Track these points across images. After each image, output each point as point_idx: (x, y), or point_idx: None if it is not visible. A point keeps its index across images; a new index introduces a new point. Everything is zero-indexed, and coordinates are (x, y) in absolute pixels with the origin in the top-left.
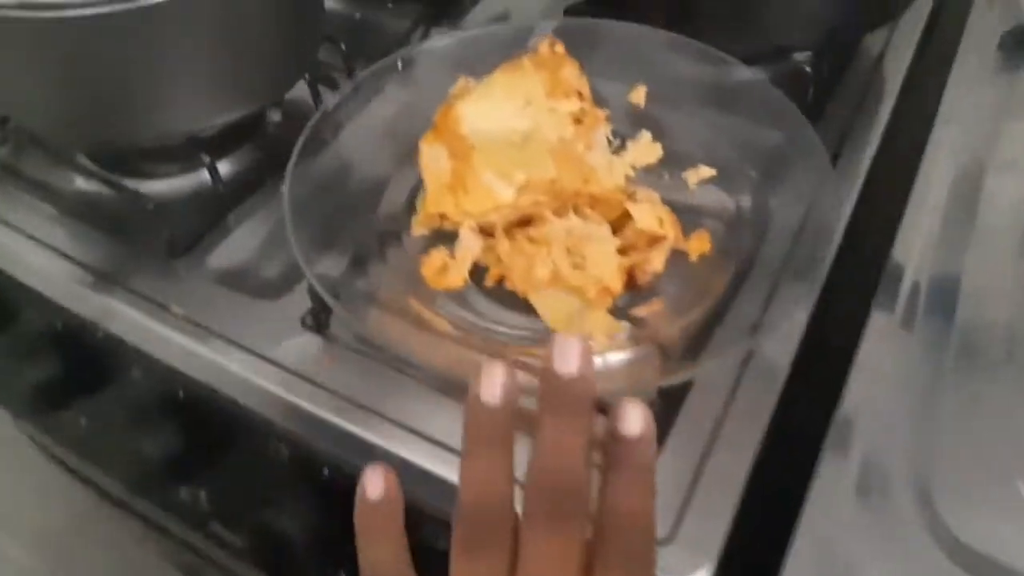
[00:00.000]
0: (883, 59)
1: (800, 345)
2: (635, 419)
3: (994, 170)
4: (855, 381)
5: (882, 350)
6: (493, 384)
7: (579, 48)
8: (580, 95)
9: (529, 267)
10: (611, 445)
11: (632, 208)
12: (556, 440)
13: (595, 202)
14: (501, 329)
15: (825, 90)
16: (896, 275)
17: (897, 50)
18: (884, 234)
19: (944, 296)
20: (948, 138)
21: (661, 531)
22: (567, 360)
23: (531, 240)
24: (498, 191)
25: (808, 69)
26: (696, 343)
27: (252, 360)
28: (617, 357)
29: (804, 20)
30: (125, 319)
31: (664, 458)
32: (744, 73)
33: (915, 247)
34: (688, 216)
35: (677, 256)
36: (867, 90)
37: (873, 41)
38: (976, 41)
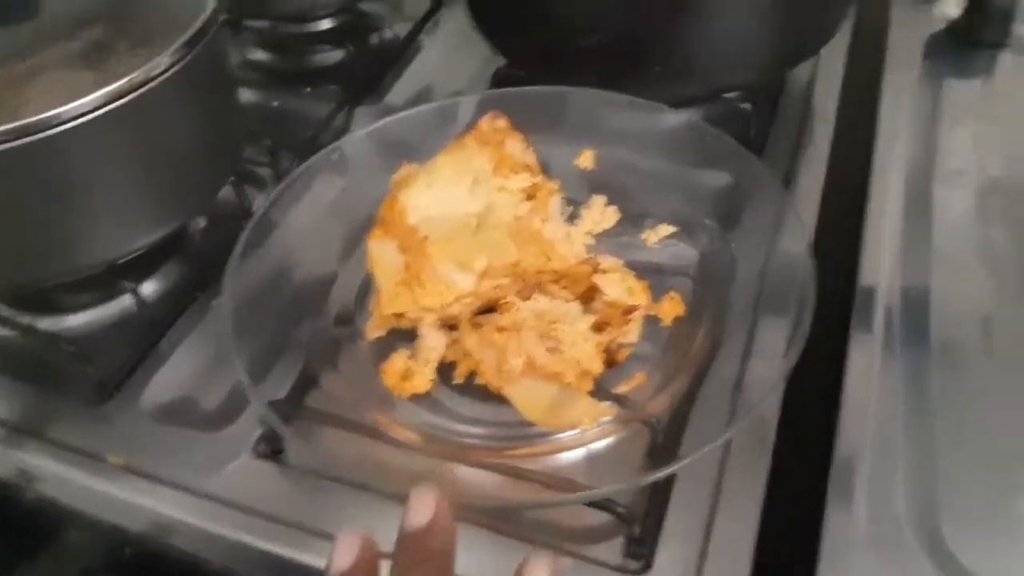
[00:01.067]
0: (813, 86)
1: (786, 387)
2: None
3: (940, 182)
4: (846, 421)
5: (868, 380)
6: (423, 507)
7: (511, 117)
8: (529, 168)
9: (501, 358)
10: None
11: (600, 280)
12: None
13: (560, 278)
14: (476, 431)
15: (764, 126)
16: (868, 299)
17: (826, 75)
18: (846, 259)
19: (917, 312)
20: (891, 158)
21: None
22: (419, 512)
23: (499, 329)
24: (457, 281)
25: (745, 107)
26: (682, 413)
27: (206, 504)
28: (601, 444)
29: (735, 61)
30: (53, 476)
31: (666, 535)
32: (681, 119)
33: (881, 269)
34: (654, 276)
35: (649, 320)
36: (804, 120)
37: (801, 71)
38: (899, 56)
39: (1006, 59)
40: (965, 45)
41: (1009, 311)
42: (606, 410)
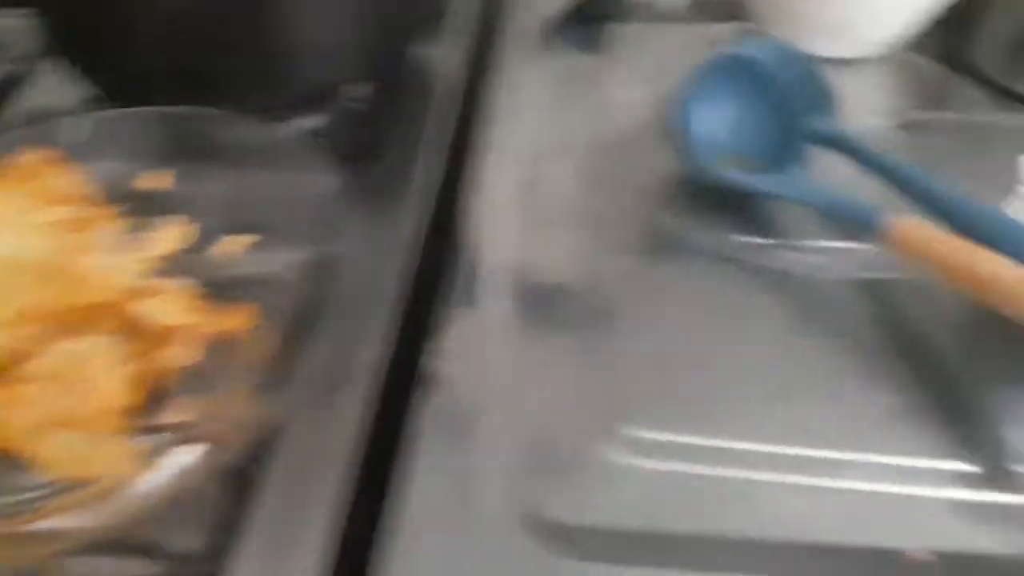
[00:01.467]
0: (436, 78)
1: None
2: None
3: (548, 157)
4: (431, 392)
5: (459, 340)
6: None
7: (93, 143)
8: (75, 199)
9: (19, 416)
10: None
11: (142, 306)
12: None
13: (98, 314)
14: (25, 497)
15: (388, 120)
16: (466, 269)
17: (450, 65)
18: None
19: (513, 276)
20: (500, 137)
21: None
22: None
23: (18, 382)
24: None
25: (364, 107)
26: (255, 426)
27: None
28: (169, 480)
29: (334, 54)
30: None
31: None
32: (278, 131)
33: (487, 245)
34: (233, 292)
35: (223, 338)
36: (427, 112)
37: (425, 63)
38: (519, 37)
39: (622, 31)
40: (584, 20)
41: (608, 265)
42: (134, 449)
